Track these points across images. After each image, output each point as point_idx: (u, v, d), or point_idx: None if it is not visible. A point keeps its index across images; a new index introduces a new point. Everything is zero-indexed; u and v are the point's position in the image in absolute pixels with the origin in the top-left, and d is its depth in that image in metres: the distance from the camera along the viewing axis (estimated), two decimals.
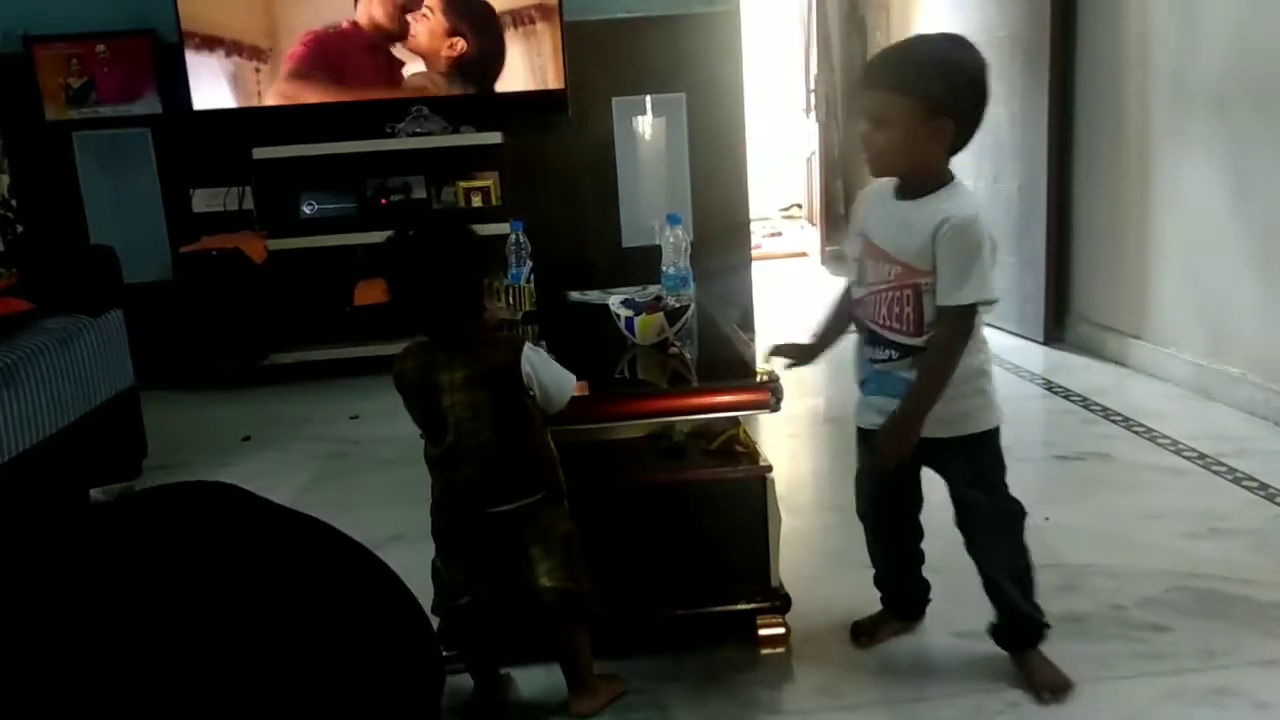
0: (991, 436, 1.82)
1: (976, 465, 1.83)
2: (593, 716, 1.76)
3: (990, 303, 1.67)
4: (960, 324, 1.67)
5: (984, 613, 2.05)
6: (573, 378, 1.74)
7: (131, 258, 3.63)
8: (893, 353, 1.73)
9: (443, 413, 1.65)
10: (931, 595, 2.03)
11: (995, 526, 1.83)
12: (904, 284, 1.69)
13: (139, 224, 4.38)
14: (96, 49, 4.29)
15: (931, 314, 1.67)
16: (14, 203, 4.14)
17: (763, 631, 1.98)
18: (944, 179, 1.71)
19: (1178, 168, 3.52)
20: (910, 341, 1.70)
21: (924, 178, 1.70)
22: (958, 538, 2.46)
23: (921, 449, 1.74)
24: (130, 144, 4.38)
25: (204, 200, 4.45)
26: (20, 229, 4.16)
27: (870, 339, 1.79)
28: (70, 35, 4.29)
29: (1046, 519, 2.50)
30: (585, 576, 1.71)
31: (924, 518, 2.76)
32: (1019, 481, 2.83)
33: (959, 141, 1.69)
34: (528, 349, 1.67)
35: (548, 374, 1.70)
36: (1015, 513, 1.85)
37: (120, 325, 3.15)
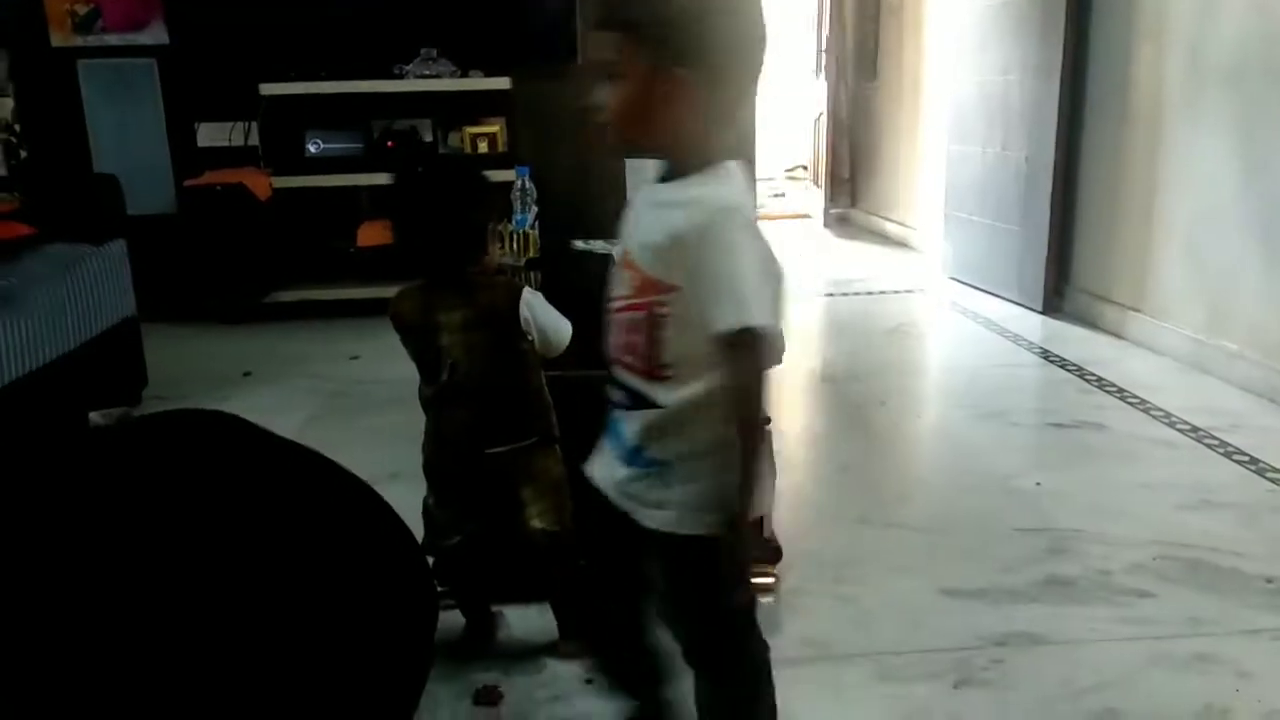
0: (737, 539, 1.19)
1: (687, 585, 1.25)
2: (576, 659, 1.78)
3: (762, 333, 1.10)
4: (742, 357, 1.11)
5: (971, 570, 2.09)
6: (569, 324, 1.74)
7: (135, 189, 3.61)
8: (622, 395, 1.23)
9: (439, 352, 1.66)
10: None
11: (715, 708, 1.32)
12: (638, 301, 1.18)
13: (143, 155, 4.36)
14: None
15: (671, 352, 1.16)
16: (18, 128, 4.12)
17: (753, 580, 2.00)
18: (706, 159, 1.18)
19: (1187, 141, 3.51)
20: (638, 385, 1.19)
21: (676, 155, 1.20)
22: (944, 496, 2.52)
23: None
24: (136, 74, 4.34)
25: (209, 134, 4.42)
26: (24, 154, 4.14)
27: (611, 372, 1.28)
28: None
29: (1038, 484, 2.53)
30: (570, 523, 1.73)
31: (912, 474, 2.80)
32: (1013, 447, 2.87)
33: (723, 105, 1.20)
34: (526, 293, 1.68)
35: (546, 318, 1.70)
36: (745, 687, 1.32)
37: (123, 255, 3.15)
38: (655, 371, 1.17)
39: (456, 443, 1.69)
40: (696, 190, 1.16)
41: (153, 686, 0.87)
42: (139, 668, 0.85)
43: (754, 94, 1.29)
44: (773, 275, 1.15)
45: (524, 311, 1.66)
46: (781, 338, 1.23)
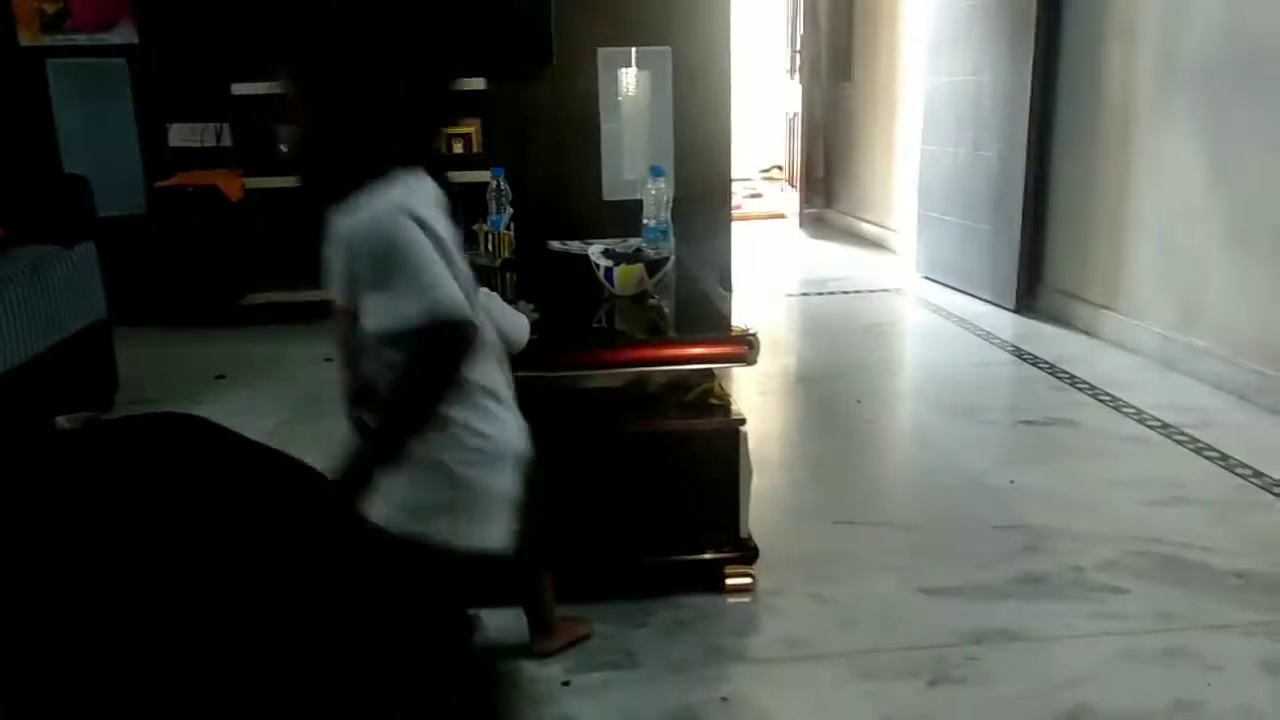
0: (450, 563, 1.24)
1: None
2: (553, 655, 1.79)
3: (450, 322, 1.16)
4: (429, 347, 1.20)
5: (947, 568, 2.10)
6: (525, 320, 1.70)
7: (105, 190, 3.56)
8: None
9: None
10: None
11: None
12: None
13: (113, 156, 4.31)
14: None
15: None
16: None
17: (730, 581, 2.01)
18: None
19: (1158, 141, 3.55)
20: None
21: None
22: (920, 495, 2.53)
23: None
24: (106, 74, 4.29)
25: (181, 135, 4.37)
26: None
27: None
28: None
29: (1011, 482, 2.55)
30: (545, 519, 1.73)
31: (888, 472, 2.82)
32: (986, 445, 2.89)
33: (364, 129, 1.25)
34: (480, 296, 1.63)
35: (502, 319, 1.65)
36: None
37: (92, 257, 3.11)
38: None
39: None
40: (362, 204, 1.21)
41: (120, 681, 0.85)
42: (107, 664, 0.84)
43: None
44: (458, 268, 1.18)
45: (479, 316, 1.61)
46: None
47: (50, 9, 4.21)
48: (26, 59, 4.23)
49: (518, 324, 1.70)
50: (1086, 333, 3.93)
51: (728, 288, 4.66)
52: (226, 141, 4.36)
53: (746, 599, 2.00)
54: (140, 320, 3.98)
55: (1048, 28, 4.10)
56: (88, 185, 3.23)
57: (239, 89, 4.12)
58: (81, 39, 4.25)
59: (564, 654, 1.80)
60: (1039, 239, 4.29)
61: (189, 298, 4.23)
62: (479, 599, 1.88)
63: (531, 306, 1.90)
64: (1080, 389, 3.29)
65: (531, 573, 1.77)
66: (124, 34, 4.26)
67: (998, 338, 3.96)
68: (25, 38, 4.22)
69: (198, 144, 4.37)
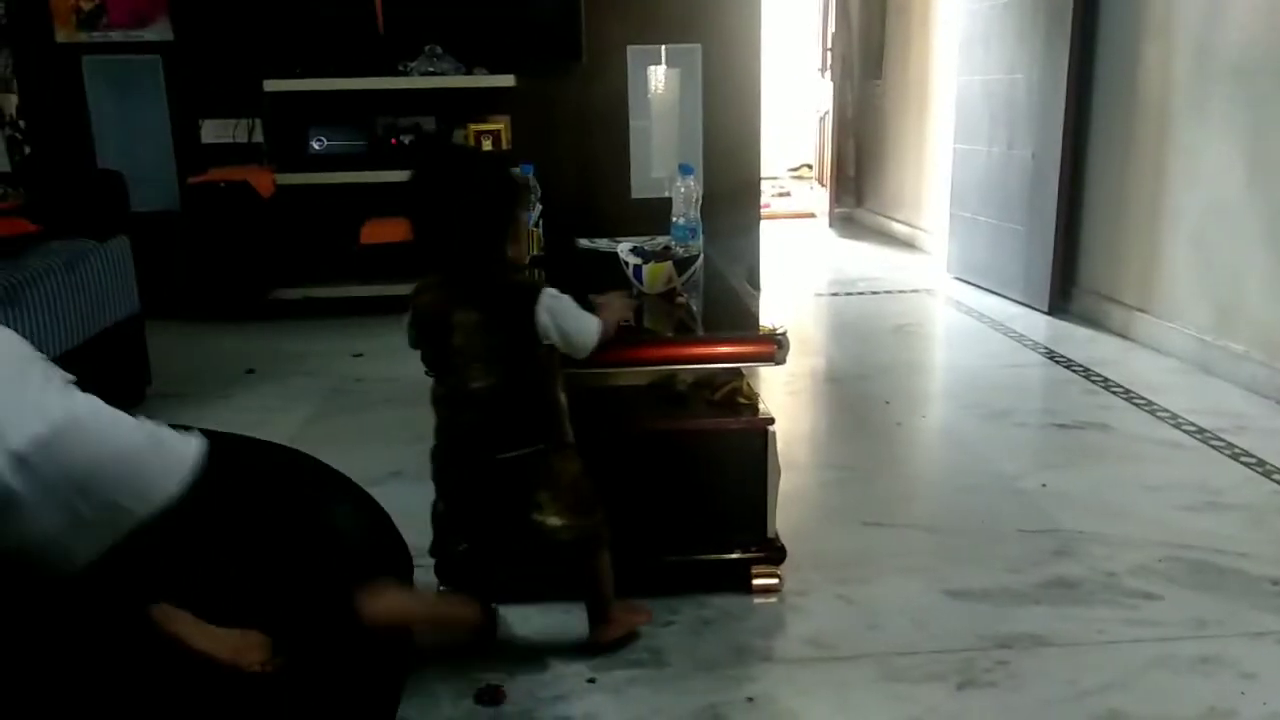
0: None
1: None
2: (611, 644, 1.79)
3: None
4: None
5: (976, 571, 2.08)
6: (596, 323, 1.70)
7: (138, 186, 3.62)
8: None
9: (452, 352, 1.63)
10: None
11: None
12: None
13: (147, 152, 4.35)
14: None
15: None
16: (22, 124, 4.12)
17: (757, 581, 2.00)
18: None
19: (1195, 140, 3.49)
20: None
21: None
22: (948, 497, 2.51)
23: None
24: (141, 70, 4.34)
25: (213, 131, 4.41)
26: (28, 150, 4.14)
27: None
28: None
29: (1043, 485, 2.52)
30: (597, 509, 1.73)
31: (916, 474, 2.80)
32: (1017, 448, 2.85)
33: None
34: (546, 297, 1.62)
35: (568, 322, 1.65)
36: None
37: (126, 251, 3.14)
38: None
39: (466, 447, 1.66)
40: None
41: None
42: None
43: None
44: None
45: (543, 317, 1.61)
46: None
47: (87, 6, 4.27)
48: (63, 55, 4.29)
49: (584, 328, 1.68)
50: (1120, 335, 3.87)
51: (756, 287, 4.65)
52: (258, 138, 4.40)
53: (773, 599, 1.98)
54: (172, 314, 4.02)
55: (1083, 26, 4.05)
56: (122, 180, 3.27)
57: (271, 86, 4.16)
58: (117, 36, 4.30)
59: (590, 651, 1.79)
60: (1073, 240, 4.24)
61: (220, 292, 4.27)
62: (532, 591, 1.90)
63: (621, 300, 1.89)
64: (1114, 392, 3.24)
65: (585, 561, 1.76)
66: (159, 31, 4.31)
67: (1030, 339, 3.92)
68: (62, 34, 4.28)
69: (230, 140, 4.41)
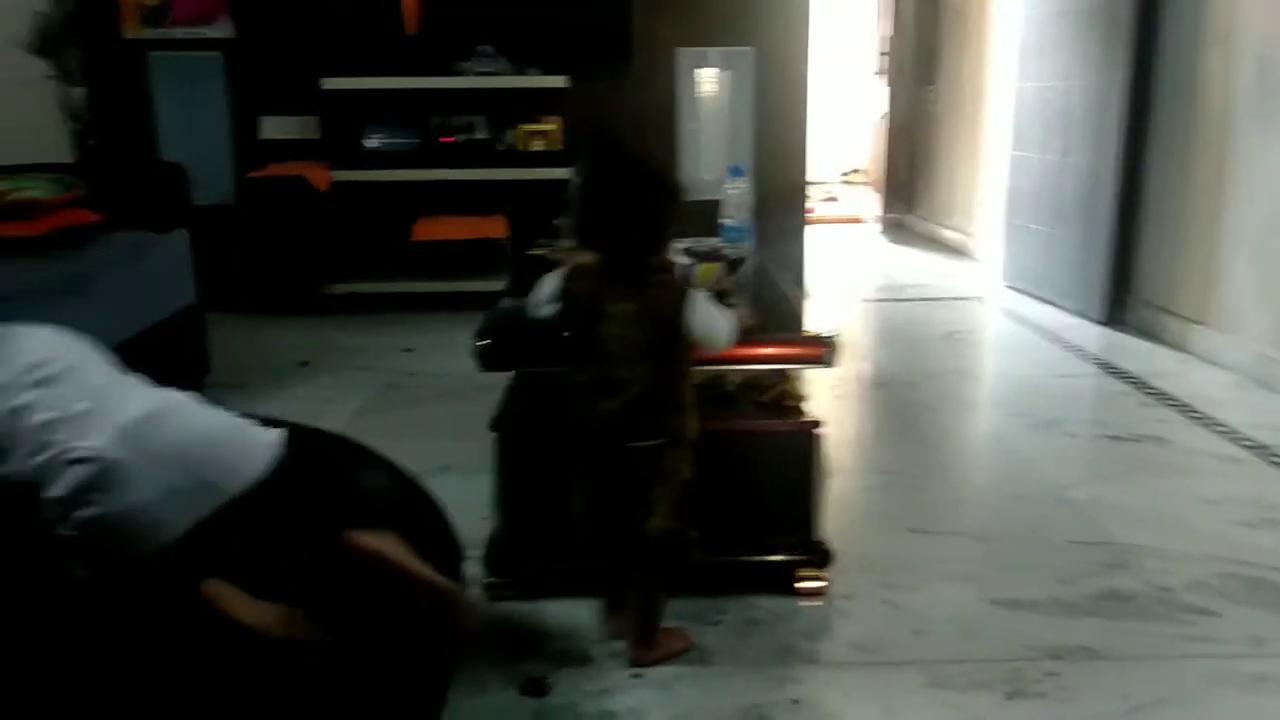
0: None
1: None
2: (647, 667, 1.76)
3: None
4: None
5: (1025, 581, 2.05)
6: (733, 326, 1.74)
7: (198, 180, 3.67)
8: None
9: (600, 340, 1.67)
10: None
11: None
12: None
13: (207, 147, 4.43)
14: None
15: None
16: (87, 117, 4.22)
17: (802, 584, 1.99)
18: None
19: (1257, 149, 3.42)
20: None
21: None
22: (997, 506, 2.48)
23: None
24: (203, 67, 4.42)
25: (271, 127, 4.49)
26: (92, 143, 4.24)
27: None
28: None
29: (1095, 497, 2.48)
30: (689, 519, 1.74)
31: (965, 482, 2.77)
32: (1069, 458, 2.81)
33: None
34: (697, 298, 1.68)
35: (714, 321, 1.70)
36: None
37: (186, 244, 3.21)
38: None
39: (602, 433, 1.69)
40: None
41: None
42: None
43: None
44: None
45: (692, 315, 1.66)
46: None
47: (152, 3, 4.36)
48: (129, 51, 4.39)
49: (717, 327, 1.71)
50: (1177, 347, 3.80)
51: (804, 291, 4.64)
52: (315, 134, 4.46)
53: (818, 602, 1.97)
54: (228, 306, 4.09)
55: (1142, 34, 3.98)
56: (184, 174, 3.34)
57: (328, 84, 4.22)
58: (180, 32, 4.39)
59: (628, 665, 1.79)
60: (1129, 250, 4.17)
61: (275, 286, 4.34)
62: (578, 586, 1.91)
63: (743, 306, 1.91)
64: (1170, 405, 3.18)
65: (659, 569, 1.77)
66: (221, 28, 4.39)
67: (1083, 350, 3.86)
68: (128, 30, 4.38)
69: (287, 136, 4.48)
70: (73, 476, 0.95)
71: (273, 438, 1.10)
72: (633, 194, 1.65)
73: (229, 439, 1.06)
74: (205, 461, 1.02)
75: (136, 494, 0.96)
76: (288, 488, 1.08)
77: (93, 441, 0.96)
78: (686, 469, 1.72)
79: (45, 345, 1.08)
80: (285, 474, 1.08)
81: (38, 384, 1.00)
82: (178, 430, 1.02)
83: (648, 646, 1.78)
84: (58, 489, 0.95)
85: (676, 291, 1.69)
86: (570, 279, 1.70)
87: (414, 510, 1.49)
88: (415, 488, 1.55)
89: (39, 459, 0.96)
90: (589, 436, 1.71)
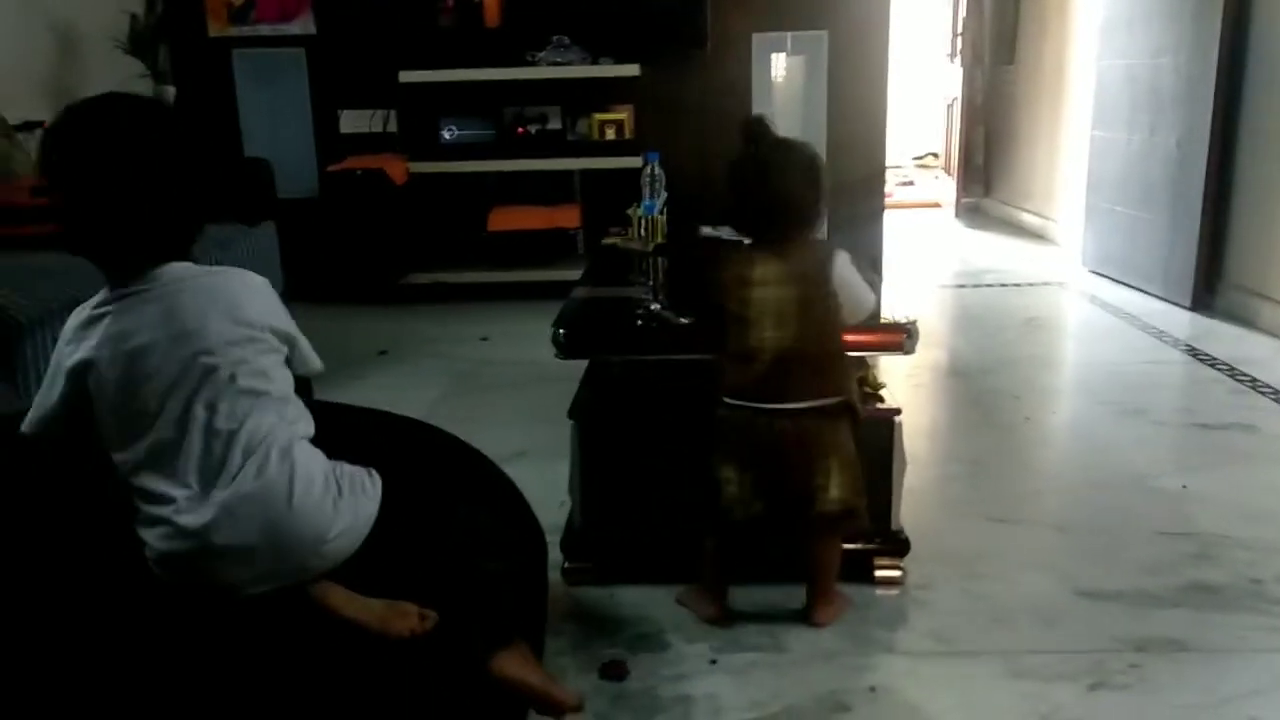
0: None
1: None
2: (828, 624, 1.83)
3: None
4: None
5: (1109, 572, 2.02)
6: (875, 296, 1.82)
7: (280, 174, 3.78)
8: None
9: (747, 306, 1.73)
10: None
11: None
12: None
13: (289, 141, 4.55)
14: None
15: None
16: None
17: (880, 573, 1.99)
18: None
19: None
20: None
21: None
22: (1080, 495, 2.43)
23: None
24: (285, 63, 4.54)
25: (351, 121, 4.59)
26: None
27: None
28: None
29: (1184, 486, 2.42)
30: (863, 494, 1.79)
31: (1046, 471, 2.72)
32: (1155, 447, 2.75)
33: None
34: (840, 257, 1.76)
35: (857, 284, 1.77)
36: None
37: (273, 235, 3.31)
38: None
39: (757, 395, 1.73)
40: None
41: None
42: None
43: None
44: None
45: (838, 270, 1.74)
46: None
47: (237, 2, 4.49)
48: (215, 49, 4.52)
49: (862, 295, 1.79)
50: (1270, 333, 3.67)
51: (880, 277, 4.58)
52: (393, 127, 4.55)
53: (895, 591, 1.97)
54: (310, 296, 4.19)
55: (1236, 8, 3.84)
56: (270, 168, 3.44)
57: (406, 77, 4.30)
58: (265, 30, 4.51)
59: (714, 632, 1.81)
60: (1219, 232, 4.03)
61: (356, 276, 4.45)
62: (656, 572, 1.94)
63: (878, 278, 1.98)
64: (1263, 393, 3.08)
65: (835, 539, 1.83)
66: (303, 25, 4.50)
67: (1171, 336, 3.75)
68: (214, 29, 4.51)
69: (366, 129, 4.58)
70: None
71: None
72: (791, 169, 1.74)
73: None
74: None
75: (305, 352, 1.53)
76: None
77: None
78: (851, 442, 1.77)
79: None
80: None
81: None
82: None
83: (828, 605, 1.85)
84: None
85: (821, 249, 1.77)
86: (724, 267, 1.78)
87: (497, 504, 1.53)
88: (502, 479, 1.59)
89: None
90: (743, 402, 1.74)
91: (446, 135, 4.47)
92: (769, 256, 1.74)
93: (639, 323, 1.98)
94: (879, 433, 1.95)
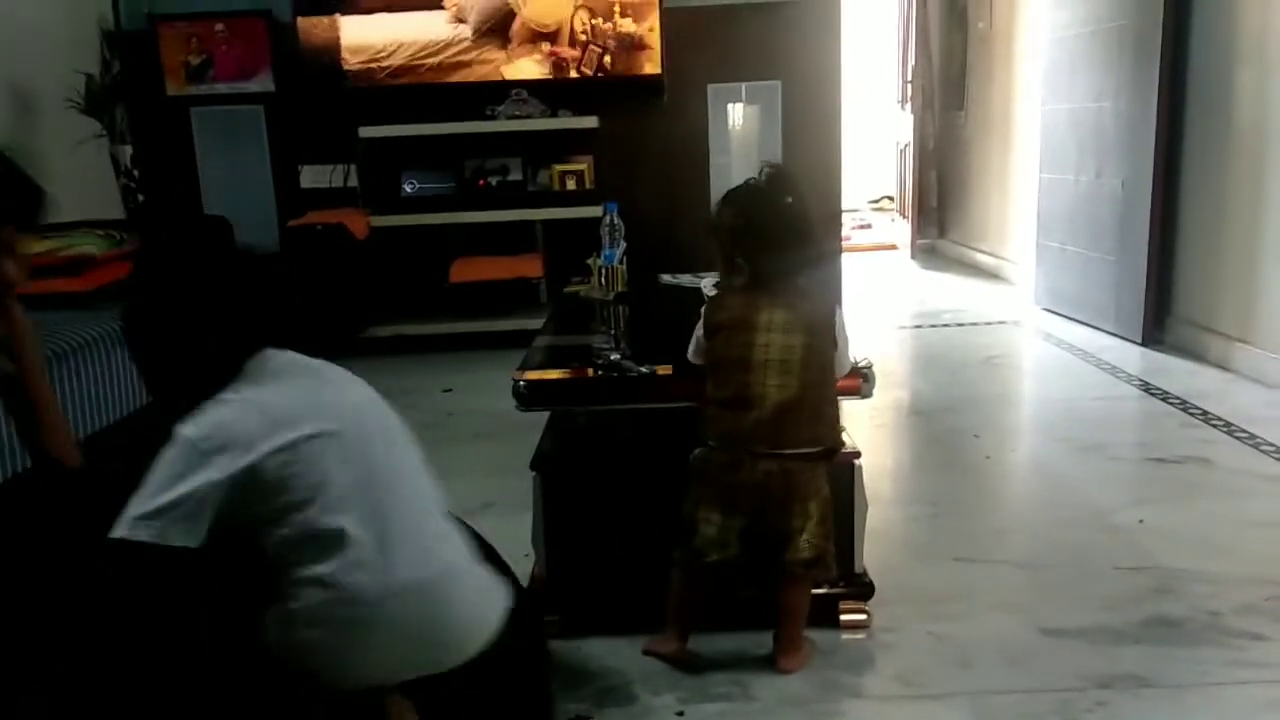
0: None
1: None
2: (794, 672, 1.83)
3: None
4: None
5: (1072, 609, 2.04)
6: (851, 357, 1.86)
7: (241, 230, 3.77)
8: None
9: (750, 350, 1.73)
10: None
11: None
12: None
13: (250, 197, 4.55)
14: (215, 28, 4.48)
15: None
16: (136, 173, 4.34)
17: (844, 616, 1.99)
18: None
19: None
20: None
21: None
22: (1041, 532, 2.46)
23: None
24: (244, 120, 4.55)
25: (311, 176, 4.60)
26: (141, 198, 4.36)
27: None
28: (191, 14, 4.48)
29: (1140, 521, 2.46)
30: (832, 539, 1.81)
31: (1007, 509, 2.75)
32: (1113, 482, 2.79)
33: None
34: (839, 309, 1.80)
35: (847, 339, 1.82)
36: None
37: None
38: None
39: (749, 442, 1.73)
40: None
41: None
42: None
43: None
44: None
45: (838, 323, 1.78)
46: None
47: (195, 61, 4.50)
48: (173, 107, 4.52)
49: (847, 351, 1.84)
50: (1220, 366, 3.76)
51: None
52: (354, 182, 4.57)
53: (861, 635, 1.97)
54: None
55: (1174, 52, 3.97)
56: (228, 225, 3.43)
57: (366, 132, 4.32)
58: (223, 88, 4.53)
59: (681, 683, 1.81)
60: (1166, 269, 4.13)
61: (317, 330, 4.42)
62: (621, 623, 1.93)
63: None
64: (1214, 425, 3.14)
65: (804, 585, 1.83)
66: (261, 83, 4.52)
67: (1123, 371, 3.82)
68: (172, 87, 4.52)
69: (326, 185, 4.59)
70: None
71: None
72: (790, 218, 1.78)
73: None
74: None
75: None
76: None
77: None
78: (827, 488, 1.79)
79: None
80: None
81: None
82: None
83: (796, 652, 1.84)
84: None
85: (824, 299, 1.81)
86: (718, 306, 1.81)
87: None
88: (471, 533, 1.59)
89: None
90: (731, 448, 1.75)
91: (408, 188, 4.50)
92: (774, 302, 1.75)
93: (599, 373, 1.99)
94: (840, 476, 1.96)
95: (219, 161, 4.57)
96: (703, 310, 1.84)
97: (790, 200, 1.79)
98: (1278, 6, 3.46)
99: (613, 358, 2.06)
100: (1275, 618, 1.98)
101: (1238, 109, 3.68)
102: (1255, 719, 1.67)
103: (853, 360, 1.86)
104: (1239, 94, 3.68)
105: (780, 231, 1.77)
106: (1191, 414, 3.27)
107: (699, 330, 1.84)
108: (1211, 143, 3.85)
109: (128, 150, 4.32)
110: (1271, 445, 2.92)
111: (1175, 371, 3.77)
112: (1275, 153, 3.49)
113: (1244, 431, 3.06)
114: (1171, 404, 3.40)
